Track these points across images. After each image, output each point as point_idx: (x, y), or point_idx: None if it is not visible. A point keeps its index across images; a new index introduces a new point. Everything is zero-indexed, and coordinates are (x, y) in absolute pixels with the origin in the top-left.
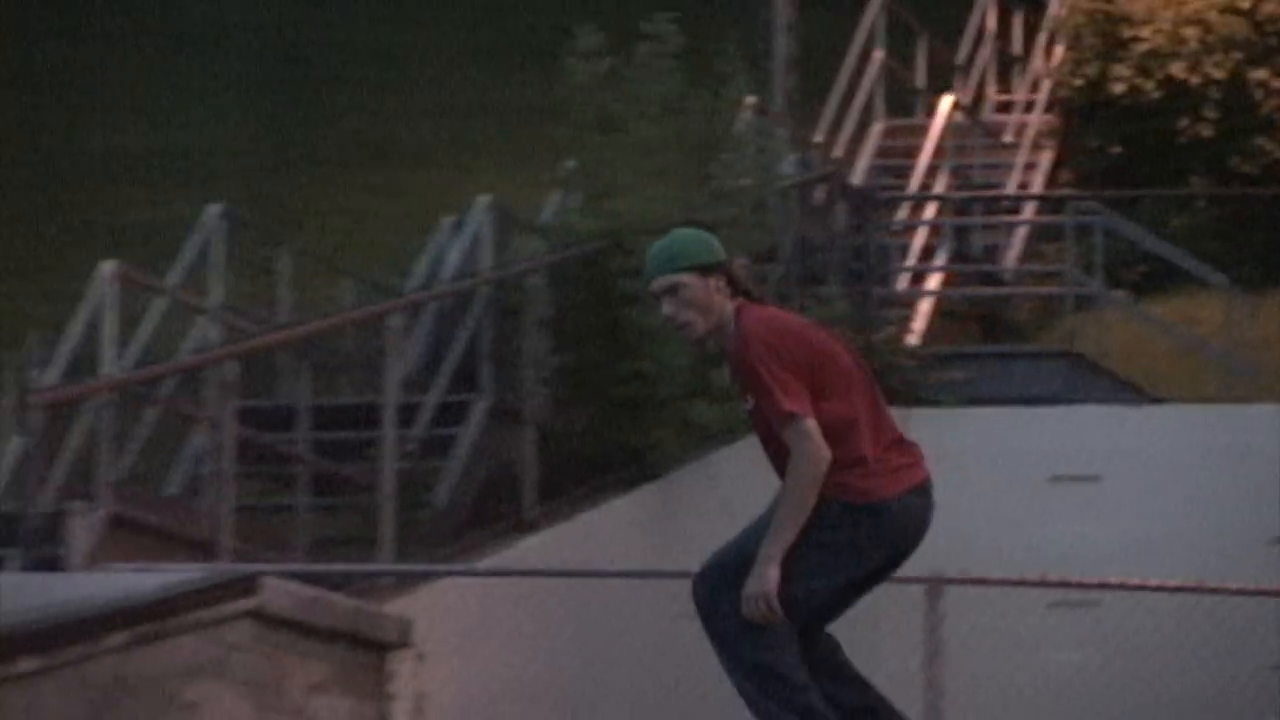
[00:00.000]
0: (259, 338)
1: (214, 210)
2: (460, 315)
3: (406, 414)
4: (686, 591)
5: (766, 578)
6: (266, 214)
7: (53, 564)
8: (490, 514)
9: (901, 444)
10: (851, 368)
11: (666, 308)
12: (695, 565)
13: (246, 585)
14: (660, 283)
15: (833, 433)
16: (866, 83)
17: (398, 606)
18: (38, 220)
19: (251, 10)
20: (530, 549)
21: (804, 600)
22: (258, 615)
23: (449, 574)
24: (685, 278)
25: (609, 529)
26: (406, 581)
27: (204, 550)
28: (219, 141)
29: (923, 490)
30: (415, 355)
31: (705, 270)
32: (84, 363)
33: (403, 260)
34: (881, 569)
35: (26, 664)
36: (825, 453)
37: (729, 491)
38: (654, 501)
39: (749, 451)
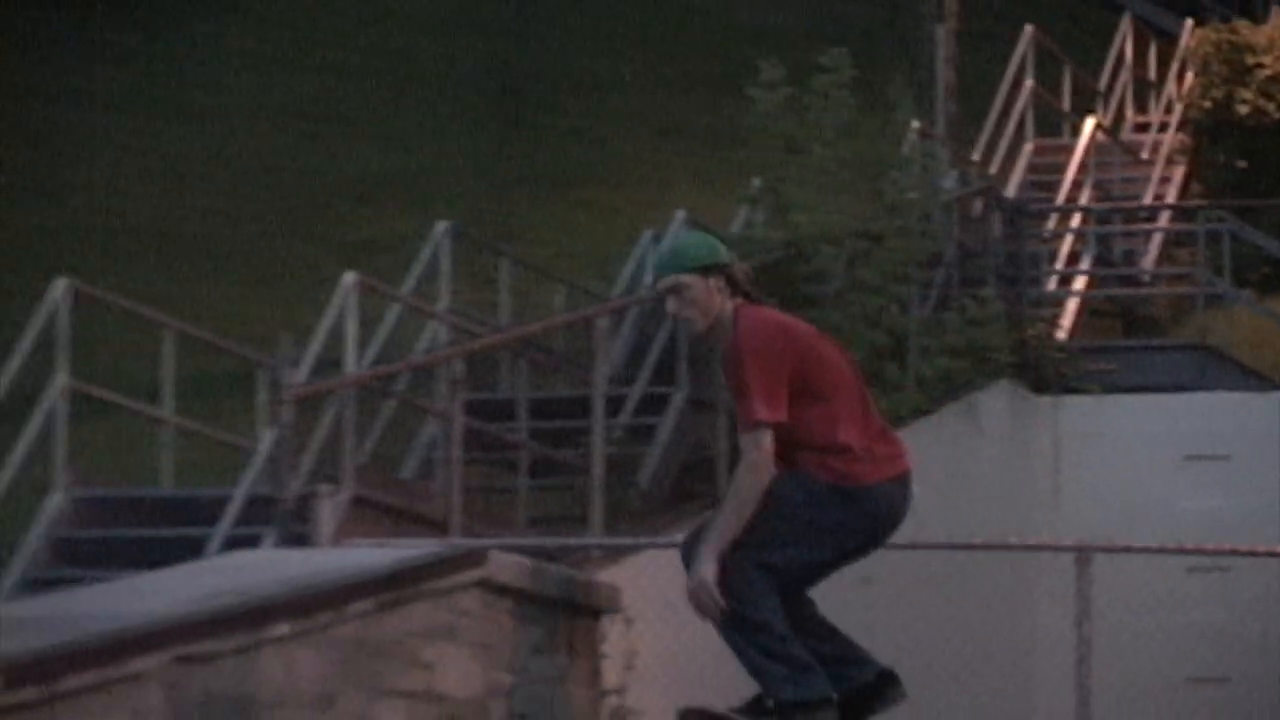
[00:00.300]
0: (482, 339)
1: (441, 226)
2: (660, 317)
3: (613, 405)
4: (866, 561)
5: (704, 573)
6: (488, 229)
7: (303, 540)
8: (688, 493)
9: (886, 437)
10: (841, 367)
11: (670, 305)
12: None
13: (475, 558)
14: (665, 282)
15: (822, 423)
16: (1018, 107)
17: (607, 576)
18: (288, 237)
19: (474, 46)
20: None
21: (783, 568)
22: (485, 585)
23: (652, 546)
24: (687, 278)
25: None
26: (615, 553)
27: (436, 527)
28: (445, 165)
29: (903, 480)
30: (620, 353)
31: (706, 271)
32: (329, 362)
33: (609, 269)
34: (858, 549)
35: (281, 629)
36: (770, 468)
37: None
38: None
39: (918, 435)
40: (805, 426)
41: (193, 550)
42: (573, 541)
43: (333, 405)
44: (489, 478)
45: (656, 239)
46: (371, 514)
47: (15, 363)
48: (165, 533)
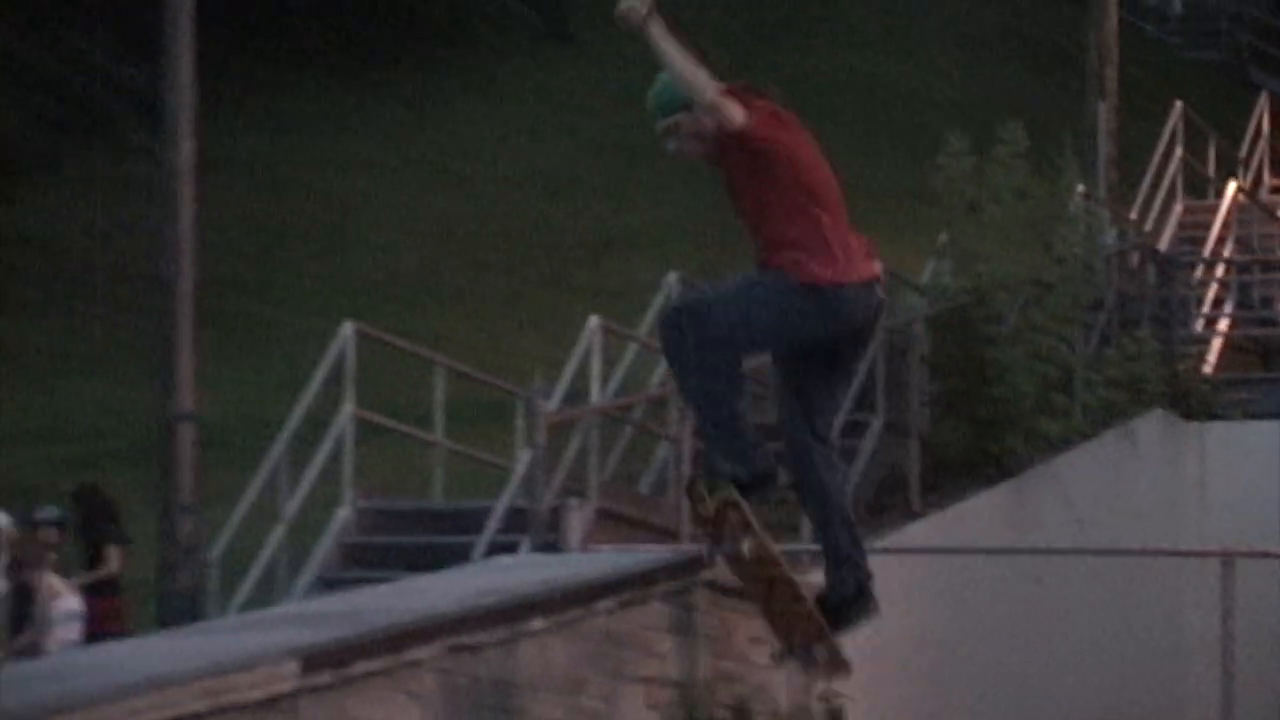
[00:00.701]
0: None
1: (671, 276)
2: (881, 358)
3: None
4: (1038, 564)
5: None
6: (713, 278)
7: (554, 547)
8: (883, 505)
9: (857, 245)
10: (826, 172)
11: (671, 146)
12: (1041, 544)
13: (703, 562)
14: (660, 126)
15: (810, 225)
16: (1169, 173)
17: (815, 576)
18: (540, 285)
19: None
20: (916, 532)
21: (729, 334)
22: (711, 585)
23: None
24: (676, 118)
25: (974, 517)
26: (821, 558)
27: (669, 535)
28: (675, 222)
29: (868, 285)
30: None
31: (688, 105)
32: (576, 394)
33: None
34: (828, 349)
35: (538, 623)
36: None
37: (1068, 487)
38: (1009, 496)
39: (1083, 456)
40: (792, 225)
41: (461, 555)
42: (787, 548)
43: (580, 431)
44: None
45: (892, 279)
46: (613, 524)
47: (310, 394)
48: (437, 540)
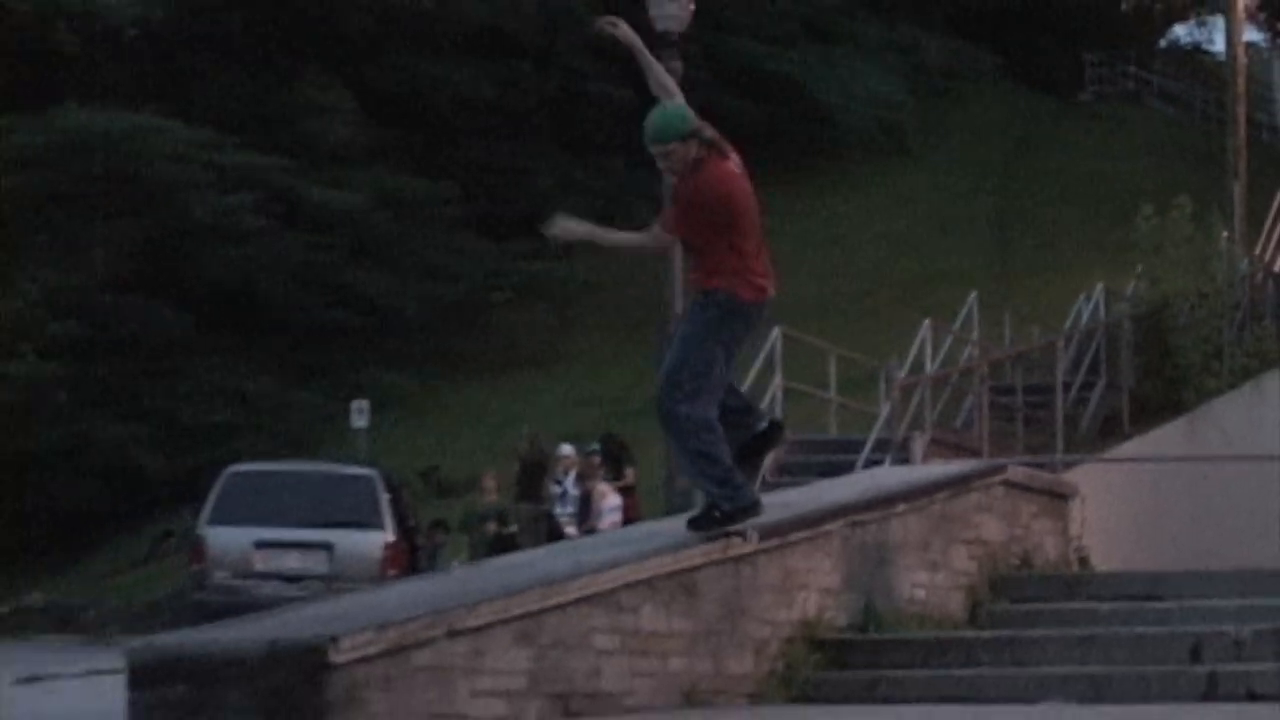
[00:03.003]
0: (994, 354)
1: (972, 295)
2: (1089, 342)
3: (1066, 387)
4: (1202, 465)
5: (574, 225)
6: (998, 296)
7: (905, 462)
8: (1107, 433)
9: (768, 270)
10: (757, 214)
11: (661, 164)
12: (1204, 454)
13: (1000, 468)
14: (656, 150)
15: (743, 252)
16: None
17: (1070, 476)
18: (887, 302)
19: (982, 189)
20: (1127, 449)
21: (703, 383)
22: (1006, 483)
23: (1088, 461)
24: (672, 145)
25: (1162, 439)
26: (1070, 465)
27: (976, 454)
28: (975, 265)
29: (767, 302)
30: (1067, 361)
31: (685, 138)
32: (916, 367)
33: (1060, 318)
34: (733, 356)
35: (901, 507)
36: (646, 249)
37: (1220, 420)
38: (1184, 426)
39: (1230, 400)
40: (738, 252)
41: (849, 468)
42: (1047, 459)
43: (918, 390)
44: (1005, 426)
45: (1088, 299)
46: (940, 448)
47: (750, 375)
48: (834, 458)
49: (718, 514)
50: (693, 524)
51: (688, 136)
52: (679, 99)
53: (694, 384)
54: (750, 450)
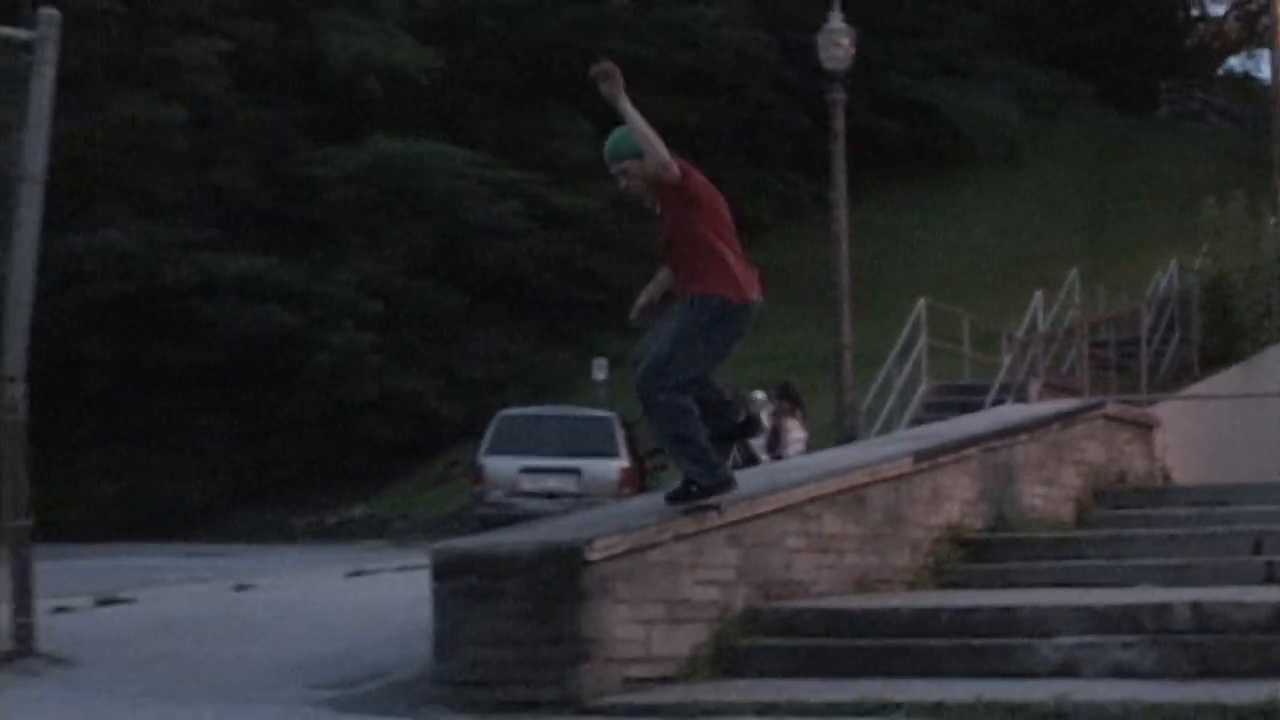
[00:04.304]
0: (1081, 321)
1: (1073, 272)
2: (1166, 307)
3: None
4: (1259, 401)
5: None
6: (1090, 275)
7: (1024, 400)
8: (1179, 378)
9: (751, 272)
10: (731, 222)
11: (622, 183)
12: (1259, 391)
13: (1099, 405)
14: (614, 169)
15: (728, 254)
16: None
17: (1153, 411)
18: (1007, 279)
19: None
20: (1197, 389)
21: (685, 376)
22: (1105, 416)
23: (1166, 399)
24: (627, 164)
25: (1225, 381)
26: (1153, 402)
27: (1079, 394)
28: (1064, 249)
29: (754, 304)
30: (1149, 321)
31: (638, 155)
32: (1030, 328)
33: (1143, 288)
34: (723, 356)
35: (1023, 436)
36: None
37: (1272, 366)
38: (1241, 370)
39: (1276, 352)
40: (711, 258)
41: (978, 407)
42: (1135, 398)
43: (1034, 345)
44: (1101, 373)
45: (1164, 273)
46: (1050, 390)
47: (890, 361)
48: (970, 399)
49: (694, 489)
50: (670, 498)
51: (640, 152)
52: (658, 145)
53: (677, 379)
54: (725, 436)
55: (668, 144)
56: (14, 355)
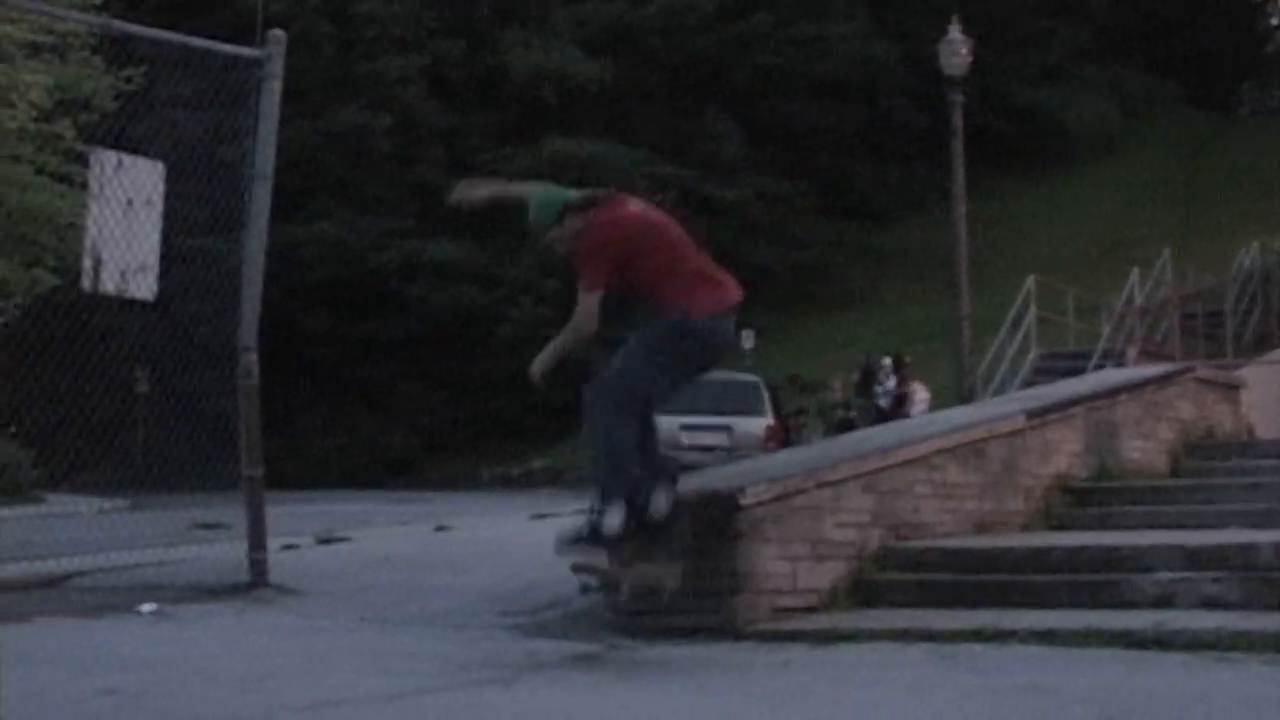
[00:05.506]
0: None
1: (1165, 253)
2: (1249, 282)
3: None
4: None
5: (538, 363)
6: (1197, 253)
7: (1121, 365)
8: (1262, 343)
9: (714, 281)
10: (678, 235)
11: (560, 249)
12: None
13: (1190, 369)
14: (547, 239)
15: (659, 275)
16: None
17: (1239, 373)
18: (1103, 260)
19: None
20: (1276, 355)
21: (641, 389)
22: (1195, 379)
23: (1253, 363)
24: (553, 232)
25: None
26: (1239, 366)
27: (1171, 359)
28: (1149, 232)
29: (724, 314)
30: (1234, 295)
31: (559, 219)
32: (1128, 301)
33: (1228, 265)
34: (694, 372)
35: (1124, 396)
36: (593, 322)
37: None
38: None
39: None
40: (673, 275)
41: (1081, 370)
42: (1221, 362)
43: (1130, 316)
44: (1191, 340)
45: (1247, 251)
46: (1146, 356)
47: (1003, 331)
48: (1075, 364)
49: (586, 533)
50: (561, 546)
51: (561, 216)
52: (536, 190)
53: (624, 395)
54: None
55: (796, 147)
56: (248, 329)
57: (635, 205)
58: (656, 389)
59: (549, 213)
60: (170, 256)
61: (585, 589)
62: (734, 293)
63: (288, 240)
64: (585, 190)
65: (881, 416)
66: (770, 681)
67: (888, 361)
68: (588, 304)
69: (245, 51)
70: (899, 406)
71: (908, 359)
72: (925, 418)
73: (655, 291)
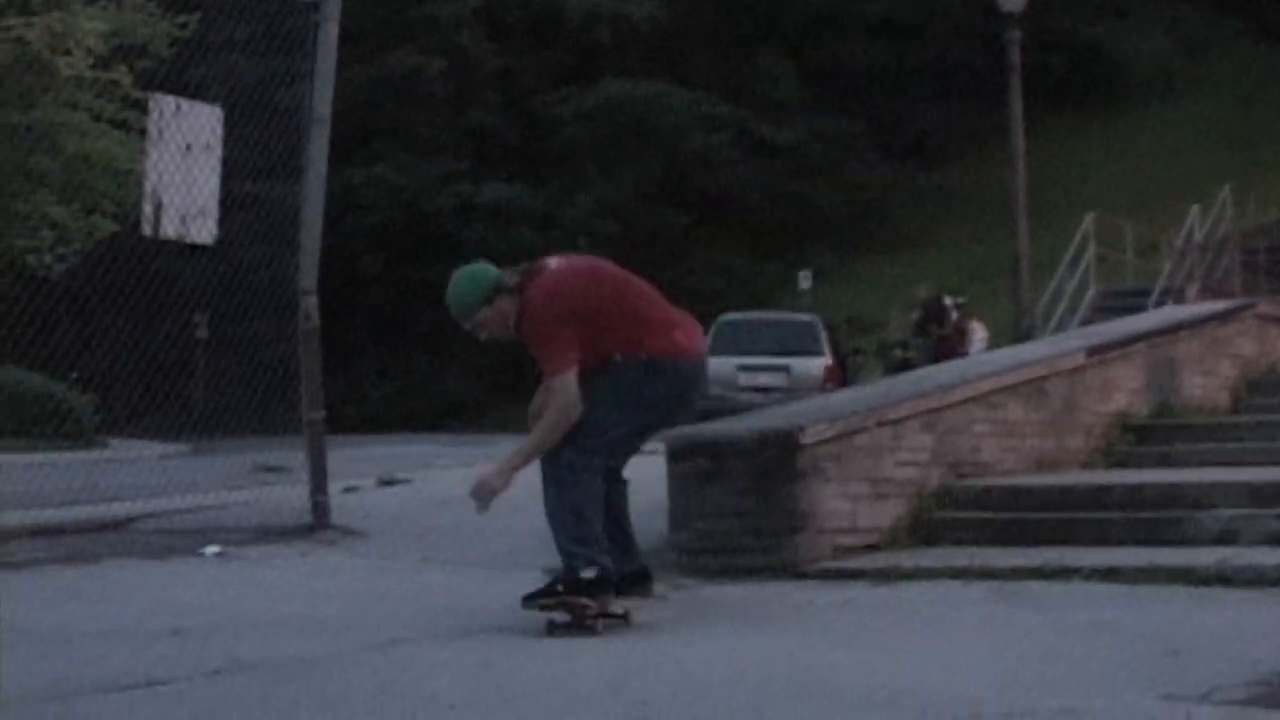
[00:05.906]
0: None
1: (1194, 209)
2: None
3: None
4: None
5: (494, 480)
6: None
7: (1184, 302)
8: None
9: (682, 327)
10: (640, 285)
11: (482, 335)
12: None
13: (1252, 305)
14: (465, 325)
15: (627, 321)
16: None
17: None
18: (1156, 204)
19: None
20: None
21: (609, 445)
22: (1257, 315)
23: None
24: (478, 316)
25: None
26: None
27: (1231, 296)
28: (1209, 169)
29: (694, 355)
30: None
31: (488, 300)
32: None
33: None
34: (666, 418)
35: (1184, 334)
36: (577, 405)
37: None
38: None
39: None
40: (633, 321)
41: (1143, 308)
42: None
43: (1190, 254)
44: (1251, 277)
45: None
46: (1206, 293)
47: (1062, 269)
48: (1133, 301)
49: (560, 587)
50: (527, 600)
51: (490, 297)
52: (460, 271)
53: (590, 440)
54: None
55: (851, 87)
56: (307, 273)
57: (579, 261)
58: (623, 435)
59: (475, 293)
60: (229, 202)
61: (552, 627)
62: (701, 340)
63: (343, 184)
64: (515, 267)
65: (940, 355)
66: (832, 620)
67: (946, 301)
68: (563, 385)
69: None
70: (959, 344)
71: (961, 299)
72: (986, 355)
73: (623, 347)
